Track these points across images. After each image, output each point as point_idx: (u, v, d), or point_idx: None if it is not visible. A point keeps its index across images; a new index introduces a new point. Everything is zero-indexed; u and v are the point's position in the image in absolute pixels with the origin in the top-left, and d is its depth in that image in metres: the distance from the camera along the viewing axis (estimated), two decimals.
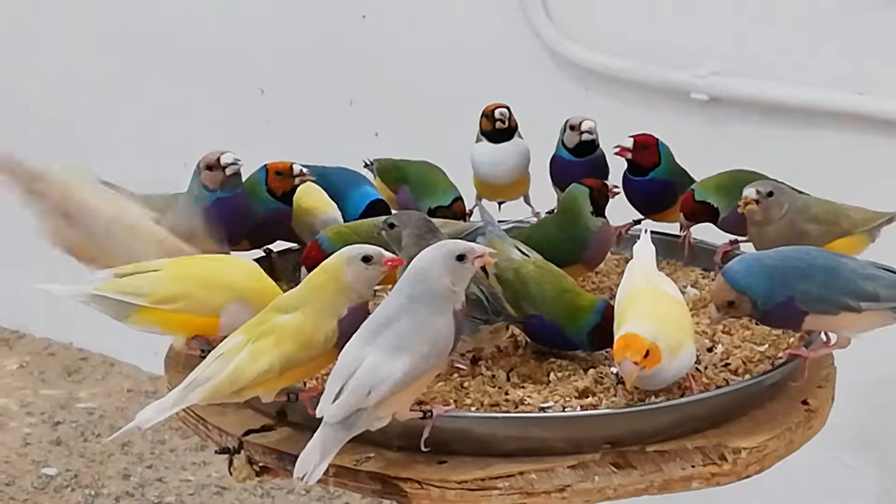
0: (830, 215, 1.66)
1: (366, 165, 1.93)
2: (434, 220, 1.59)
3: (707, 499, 1.66)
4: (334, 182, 1.83)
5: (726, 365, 1.53)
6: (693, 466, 1.40)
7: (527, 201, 1.90)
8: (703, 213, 1.75)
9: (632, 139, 1.79)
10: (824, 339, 1.55)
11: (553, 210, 1.82)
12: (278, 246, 1.82)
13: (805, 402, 1.51)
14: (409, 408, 1.36)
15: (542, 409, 1.43)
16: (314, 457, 1.30)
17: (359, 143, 2.13)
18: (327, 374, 1.47)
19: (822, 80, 2.17)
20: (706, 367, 1.52)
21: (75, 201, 1.57)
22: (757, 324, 1.60)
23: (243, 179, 1.72)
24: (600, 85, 2.36)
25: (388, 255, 1.41)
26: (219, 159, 1.67)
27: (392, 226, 1.54)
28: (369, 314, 1.39)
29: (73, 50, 3.03)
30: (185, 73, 2.88)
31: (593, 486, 1.37)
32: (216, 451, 1.48)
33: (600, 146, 1.83)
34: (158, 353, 1.64)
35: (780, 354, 1.54)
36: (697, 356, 1.48)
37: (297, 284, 1.46)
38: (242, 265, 1.54)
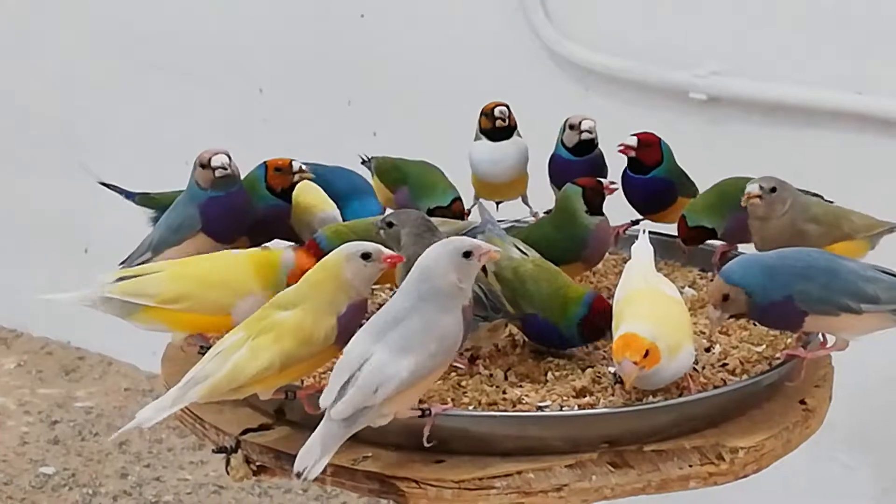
0: (830, 217, 1.66)
1: (363, 162, 1.92)
2: (433, 219, 1.59)
3: (705, 498, 1.66)
4: (335, 186, 1.82)
5: (724, 365, 1.53)
6: (690, 466, 1.40)
7: (525, 201, 1.90)
8: (699, 236, 1.75)
9: (635, 137, 1.79)
10: (822, 339, 1.55)
11: (550, 210, 1.82)
12: (276, 245, 1.82)
13: (802, 402, 1.51)
14: (411, 406, 1.36)
15: (540, 409, 1.43)
16: (315, 452, 1.30)
17: (357, 142, 2.12)
18: (325, 373, 1.47)
19: (821, 80, 2.17)
20: (704, 368, 1.51)
21: None
22: (755, 324, 1.60)
23: (242, 178, 1.71)
24: (600, 85, 2.36)
25: (387, 252, 1.41)
26: (210, 159, 1.65)
27: (390, 224, 1.54)
28: (368, 311, 1.39)
29: (73, 50, 3.03)
30: (185, 73, 2.88)
31: (591, 485, 1.37)
32: (213, 451, 1.48)
33: (599, 146, 1.83)
34: (156, 352, 1.64)
35: (778, 355, 1.54)
36: (696, 356, 1.48)
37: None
38: (241, 259, 1.54)
